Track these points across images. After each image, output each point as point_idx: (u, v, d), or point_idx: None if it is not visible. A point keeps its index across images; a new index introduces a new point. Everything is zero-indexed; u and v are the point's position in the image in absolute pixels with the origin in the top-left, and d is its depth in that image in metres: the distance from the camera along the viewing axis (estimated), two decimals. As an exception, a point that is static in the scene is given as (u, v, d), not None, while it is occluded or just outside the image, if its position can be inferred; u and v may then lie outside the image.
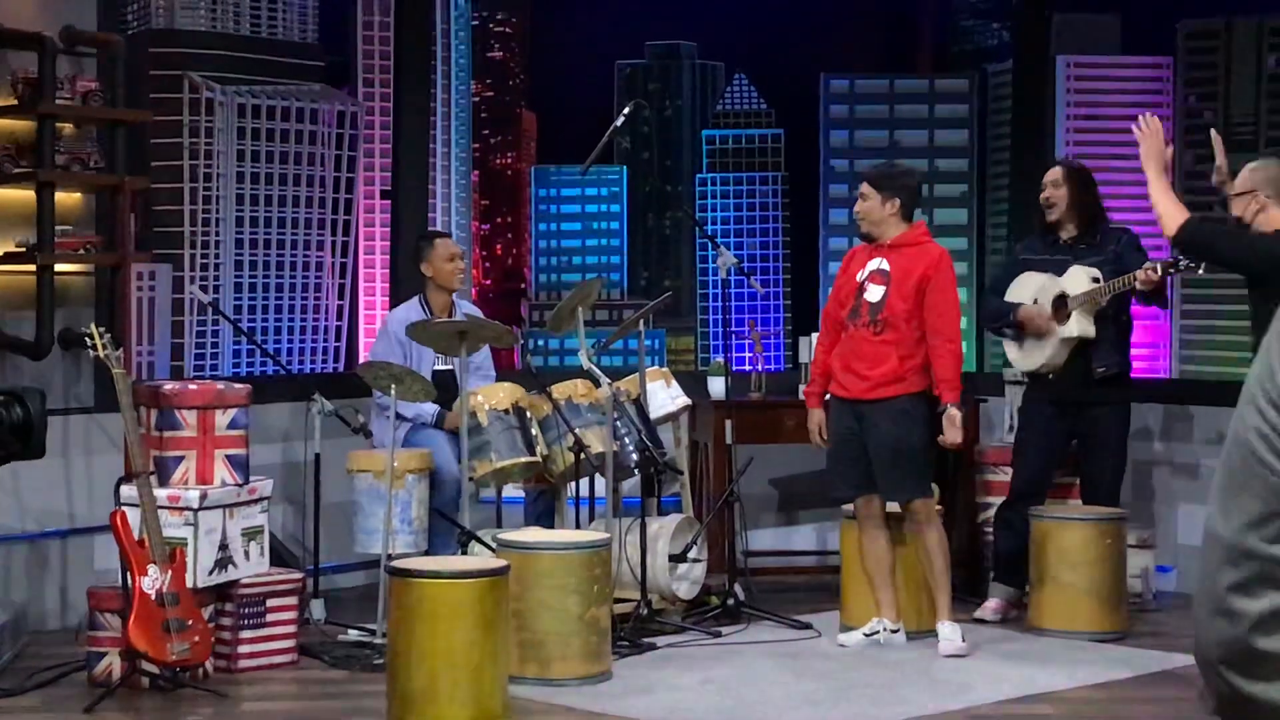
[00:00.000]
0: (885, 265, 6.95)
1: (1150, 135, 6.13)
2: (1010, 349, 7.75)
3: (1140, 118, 6.28)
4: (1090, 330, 7.47)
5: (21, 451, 5.84)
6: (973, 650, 6.89)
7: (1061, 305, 7.51)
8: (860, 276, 7.01)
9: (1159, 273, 7.12)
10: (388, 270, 9.53)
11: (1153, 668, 6.67)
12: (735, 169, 12.15)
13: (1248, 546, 1.68)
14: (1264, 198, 5.80)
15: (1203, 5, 9.97)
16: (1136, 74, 10.22)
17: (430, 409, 7.63)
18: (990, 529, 8.01)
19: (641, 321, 7.70)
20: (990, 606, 7.62)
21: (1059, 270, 7.57)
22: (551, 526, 7.51)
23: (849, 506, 7.24)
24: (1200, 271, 6.93)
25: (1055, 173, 7.70)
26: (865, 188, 7.03)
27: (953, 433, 6.89)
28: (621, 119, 7.68)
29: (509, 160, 12.66)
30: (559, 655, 6.09)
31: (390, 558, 6.79)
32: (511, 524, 7.74)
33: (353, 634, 6.97)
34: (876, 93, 10.87)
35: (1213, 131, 6.59)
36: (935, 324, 6.94)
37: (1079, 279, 7.48)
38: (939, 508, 7.47)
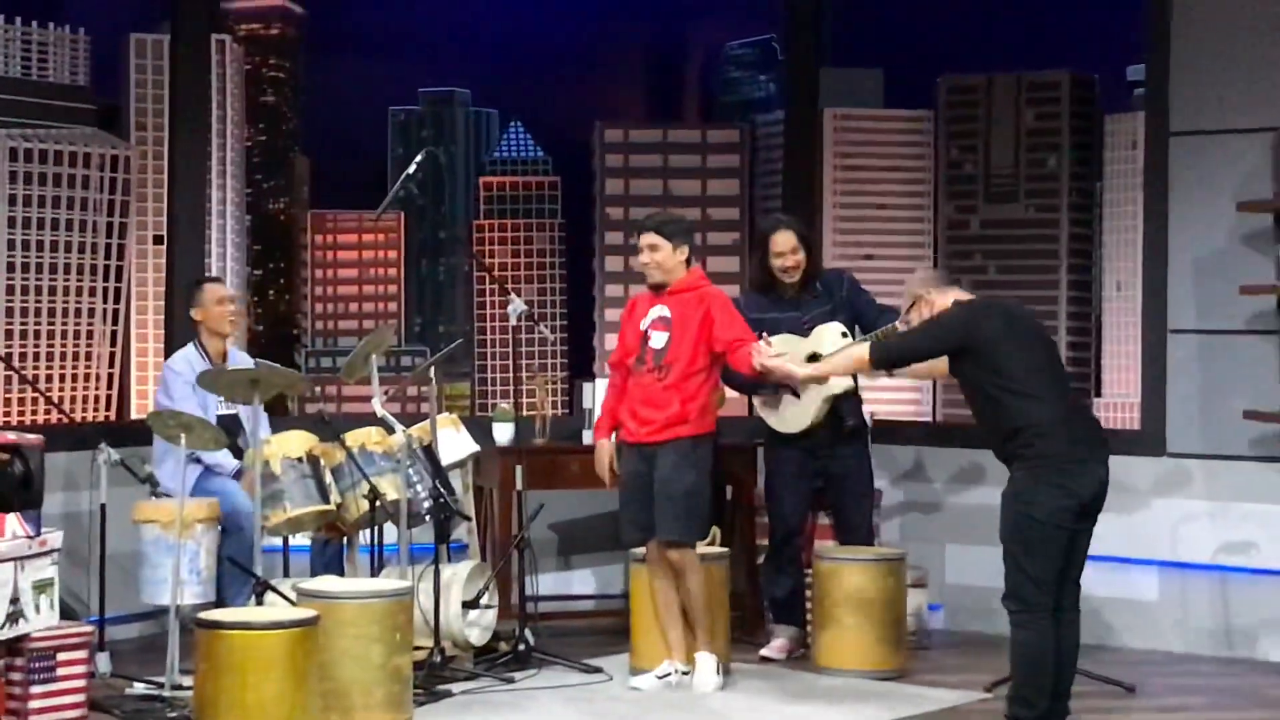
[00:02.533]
0: (666, 312, 7.11)
1: (779, 366, 6.79)
2: (768, 416, 7.84)
3: (758, 352, 6.84)
4: (850, 384, 7.69)
5: (23, 502, 6.11)
6: (758, 688, 7.05)
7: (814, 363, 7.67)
8: (644, 325, 7.16)
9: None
10: (162, 317, 9.35)
11: (934, 705, 6.89)
12: (513, 215, 12.24)
13: None
14: (928, 296, 6.23)
15: (963, 61, 10.33)
16: (899, 126, 10.54)
17: (231, 464, 7.58)
18: (766, 570, 8.18)
19: (432, 369, 7.74)
20: (776, 645, 7.79)
21: (794, 327, 7.71)
22: (340, 574, 7.49)
23: (640, 550, 7.35)
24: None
25: (790, 239, 7.73)
26: (655, 238, 7.12)
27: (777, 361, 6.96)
28: (414, 166, 7.71)
29: (281, 205, 12.59)
30: (362, 705, 6.08)
31: (178, 609, 6.73)
32: (297, 573, 7.70)
33: (139, 687, 6.87)
34: (650, 142, 11.04)
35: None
36: (735, 336, 7.03)
37: (829, 337, 7.65)
38: (724, 549, 7.63)
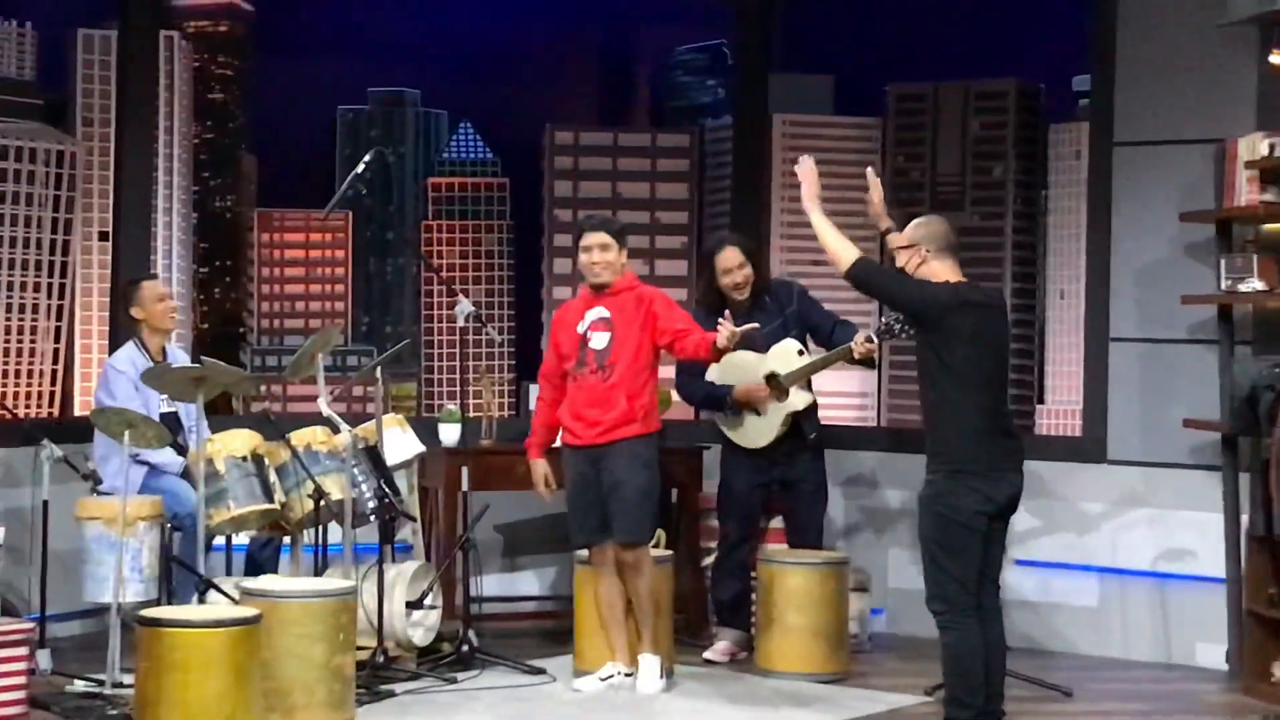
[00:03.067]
0: (606, 313, 7.13)
1: (807, 176, 6.34)
2: (728, 429, 7.89)
3: (800, 159, 6.44)
4: (810, 398, 7.72)
5: None
6: (701, 691, 7.08)
7: (774, 381, 7.71)
8: (581, 328, 7.17)
9: (875, 342, 7.37)
10: (106, 314, 9.31)
11: (876, 708, 6.94)
12: (461, 216, 12.26)
13: None
14: (925, 252, 6.14)
15: (911, 69, 10.43)
16: (848, 133, 10.63)
17: (178, 462, 7.54)
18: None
19: (379, 369, 7.74)
20: (719, 648, 7.83)
21: (749, 343, 7.73)
22: (275, 573, 7.49)
23: (584, 552, 7.37)
24: (912, 334, 7.16)
25: (736, 255, 7.75)
26: (607, 239, 7.14)
27: None
28: (363, 165, 7.69)
29: (228, 204, 12.57)
30: (304, 704, 6.08)
31: (120, 606, 6.71)
32: (238, 572, 7.69)
33: (79, 685, 6.84)
34: (600, 145, 11.07)
35: (870, 170, 6.66)
36: (681, 325, 7.04)
37: (786, 356, 7.69)
38: (669, 552, 7.66)
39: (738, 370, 7.72)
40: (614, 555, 7.15)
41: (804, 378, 7.67)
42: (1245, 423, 7.32)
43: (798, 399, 7.67)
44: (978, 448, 5.98)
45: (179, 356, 7.99)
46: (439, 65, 11.35)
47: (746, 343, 7.23)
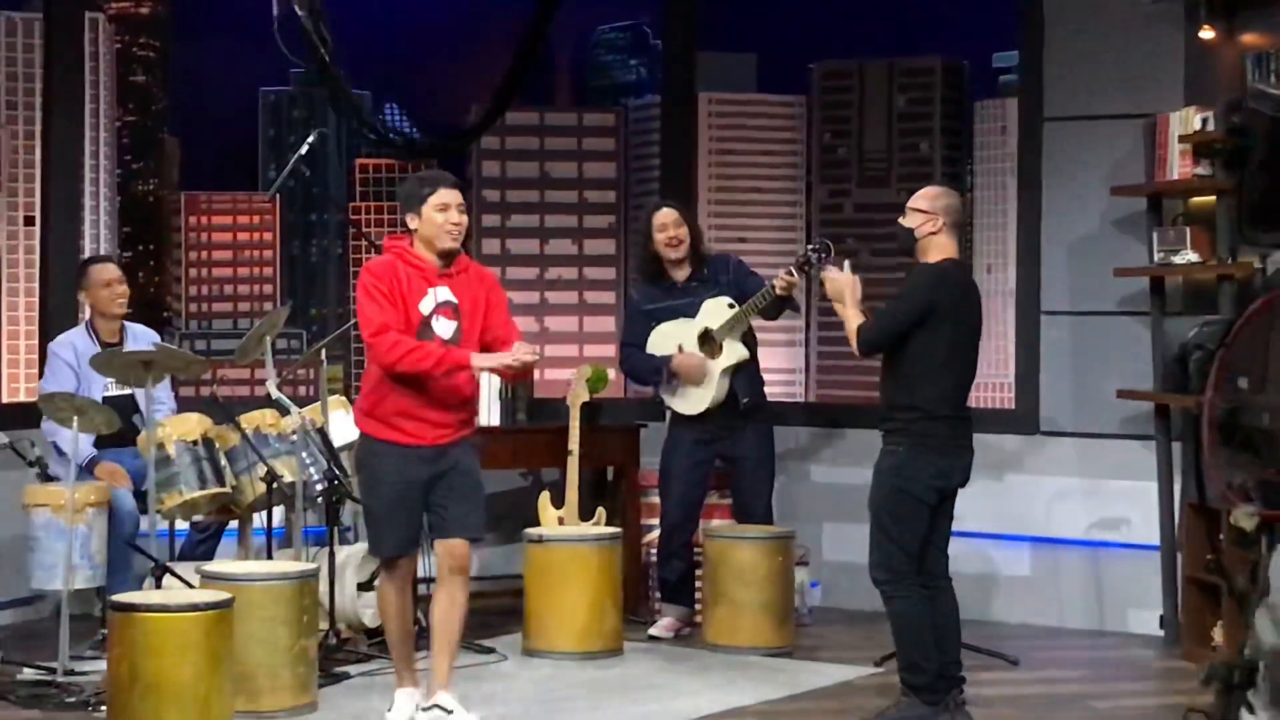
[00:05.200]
0: (451, 297, 6.13)
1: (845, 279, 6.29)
2: (670, 400, 7.96)
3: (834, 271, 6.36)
4: (745, 352, 7.79)
5: None
6: (657, 666, 7.16)
7: (708, 340, 7.80)
8: (425, 308, 6.11)
9: (795, 274, 7.49)
10: (35, 299, 9.21)
11: (829, 680, 7.03)
12: (389, 198, 12.17)
13: None
14: (940, 223, 6.19)
15: (836, 47, 10.50)
16: (773, 111, 10.65)
17: (86, 452, 7.33)
18: (654, 551, 8.27)
19: (323, 350, 7.74)
20: (664, 624, 7.90)
21: (688, 312, 7.86)
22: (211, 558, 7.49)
23: (534, 530, 7.44)
24: (832, 258, 7.17)
25: (672, 214, 7.88)
26: (463, 199, 6.13)
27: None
28: (306, 146, 7.67)
29: (151, 187, 12.42)
30: (269, 687, 6.09)
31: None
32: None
33: (29, 673, 6.81)
34: (527, 125, 11.05)
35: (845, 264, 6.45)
36: (501, 333, 6.21)
37: (716, 311, 7.78)
38: (617, 530, 7.73)
39: (673, 336, 7.82)
40: (444, 557, 6.24)
41: (735, 327, 7.73)
42: (1175, 383, 7.38)
43: (731, 354, 7.74)
44: (940, 425, 6.11)
45: (140, 337, 7.77)
46: (361, 46, 11.30)
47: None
